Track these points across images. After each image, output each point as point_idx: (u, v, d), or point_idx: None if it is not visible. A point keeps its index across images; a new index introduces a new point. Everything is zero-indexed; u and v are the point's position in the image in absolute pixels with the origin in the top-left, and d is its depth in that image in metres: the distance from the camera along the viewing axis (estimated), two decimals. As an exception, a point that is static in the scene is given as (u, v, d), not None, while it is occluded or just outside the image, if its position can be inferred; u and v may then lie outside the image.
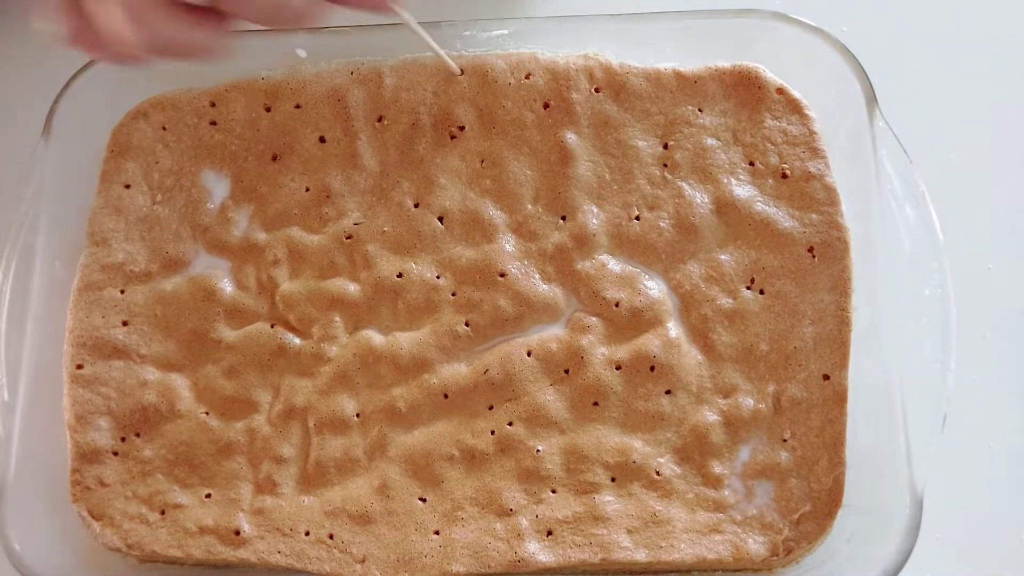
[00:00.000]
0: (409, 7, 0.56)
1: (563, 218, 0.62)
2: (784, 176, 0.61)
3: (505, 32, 0.64)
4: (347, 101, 0.64)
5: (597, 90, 0.63)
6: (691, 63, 0.63)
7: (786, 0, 0.64)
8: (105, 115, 0.65)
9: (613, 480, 0.59)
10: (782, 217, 0.61)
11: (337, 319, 0.62)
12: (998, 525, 0.65)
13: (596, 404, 0.60)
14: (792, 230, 0.61)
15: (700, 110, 0.62)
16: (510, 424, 0.60)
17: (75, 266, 0.63)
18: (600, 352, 0.60)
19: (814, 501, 0.58)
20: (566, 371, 0.60)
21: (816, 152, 0.61)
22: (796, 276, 0.60)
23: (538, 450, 0.59)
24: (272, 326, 0.62)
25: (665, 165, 0.62)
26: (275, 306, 0.62)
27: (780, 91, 0.62)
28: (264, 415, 0.61)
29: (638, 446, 0.59)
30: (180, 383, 0.62)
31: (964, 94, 0.71)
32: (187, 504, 0.60)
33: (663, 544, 0.58)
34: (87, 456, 0.61)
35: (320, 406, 0.61)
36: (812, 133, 0.61)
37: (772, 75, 0.62)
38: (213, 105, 0.65)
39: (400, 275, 0.62)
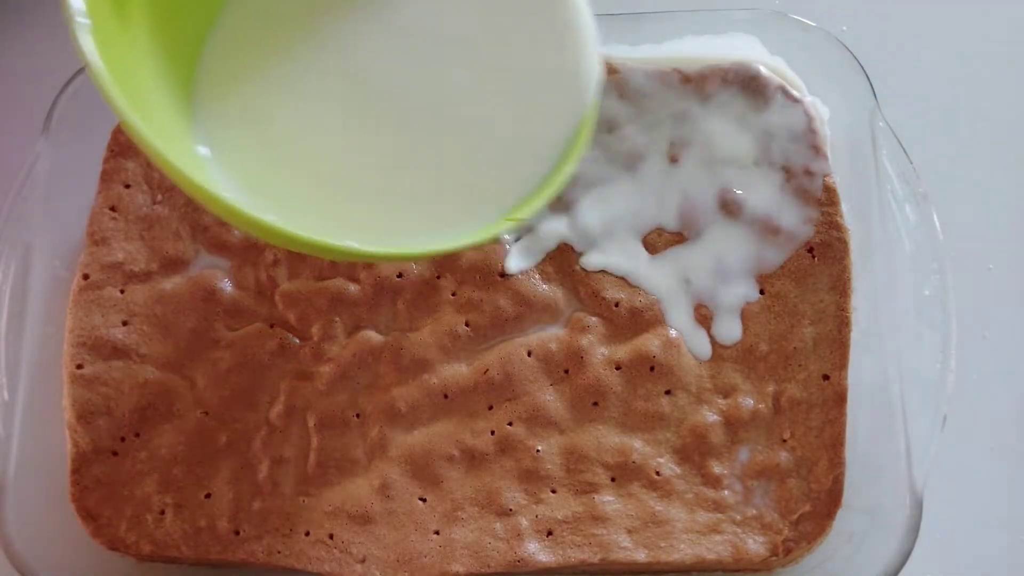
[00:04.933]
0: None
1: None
2: (785, 175, 0.61)
3: (505, 32, 0.63)
4: (347, 101, 0.64)
5: (597, 90, 0.63)
6: (691, 62, 0.63)
7: (786, 0, 0.64)
8: (105, 115, 0.65)
9: (613, 480, 0.59)
10: (782, 217, 0.61)
11: (337, 319, 0.62)
12: (998, 525, 0.65)
13: (596, 404, 0.60)
14: (792, 230, 0.61)
15: (700, 109, 0.62)
16: (510, 424, 0.60)
17: (75, 266, 0.63)
18: (600, 352, 0.60)
19: (814, 501, 0.58)
20: (566, 371, 0.60)
21: (817, 152, 0.61)
22: (796, 276, 0.60)
23: (538, 450, 0.59)
24: (272, 326, 0.62)
25: (665, 164, 0.62)
26: (275, 306, 0.62)
27: (780, 90, 0.62)
28: (264, 415, 0.61)
29: (638, 446, 0.59)
30: (180, 383, 0.62)
31: (964, 94, 0.71)
32: (187, 504, 0.60)
33: (663, 544, 0.58)
34: (87, 456, 0.61)
35: (320, 406, 0.61)
36: (812, 133, 0.61)
37: (772, 75, 0.62)
38: (213, 105, 0.65)
39: (400, 275, 0.62)
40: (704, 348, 0.60)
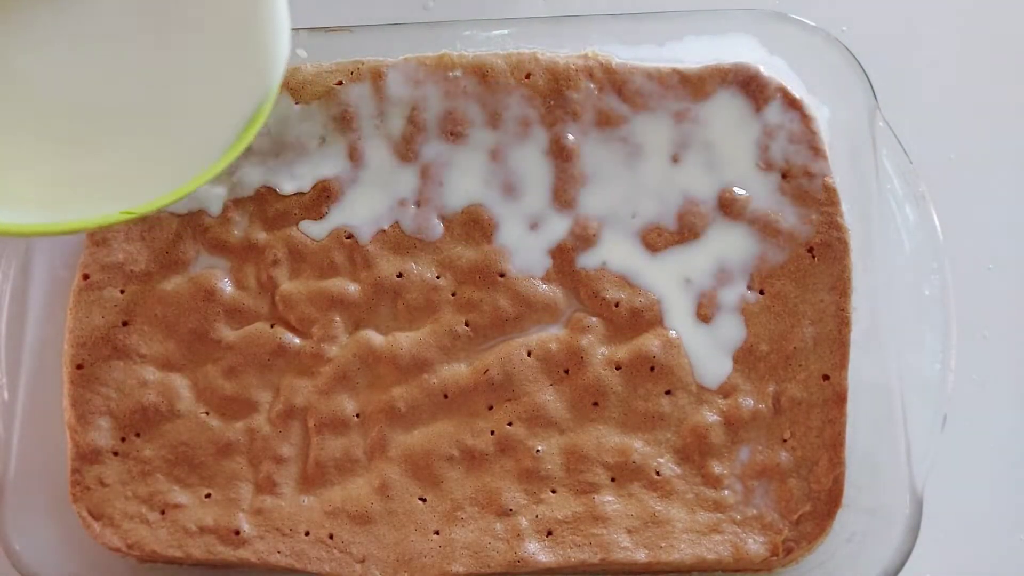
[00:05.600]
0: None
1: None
2: (785, 176, 0.61)
3: (505, 32, 0.64)
4: (348, 100, 0.64)
5: (598, 89, 0.63)
6: (691, 62, 0.63)
7: (786, 0, 0.64)
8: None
9: (613, 480, 0.59)
10: (782, 217, 0.61)
11: (337, 319, 0.62)
12: (998, 525, 0.65)
13: (596, 404, 0.60)
14: (792, 230, 0.61)
15: (700, 109, 0.62)
16: (510, 424, 0.60)
17: (75, 266, 0.63)
18: (600, 352, 0.60)
19: (814, 501, 0.58)
20: (566, 371, 0.60)
21: (817, 152, 0.61)
22: (796, 276, 0.60)
23: (538, 450, 0.59)
24: (272, 326, 0.62)
25: (665, 165, 0.62)
26: (275, 306, 0.62)
27: (780, 91, 0.62)
28: (264, 415, 0.61)
29: (638, 446, 0.59)
30: (180, 383, 0.62)
31: (964, 94, 0.71)
32: (187, 504, 0.60)
33: (663, 544, 0.58)
34: (87, 456, 0.61)
35: (320, 406, 0.61)
36: (812, 133, 0.61)
37: (772, 75, 0.62)
38: (213, 105, 0.65)
39: (400, 275, 0.62)
40: (717, 375, 0.60)
